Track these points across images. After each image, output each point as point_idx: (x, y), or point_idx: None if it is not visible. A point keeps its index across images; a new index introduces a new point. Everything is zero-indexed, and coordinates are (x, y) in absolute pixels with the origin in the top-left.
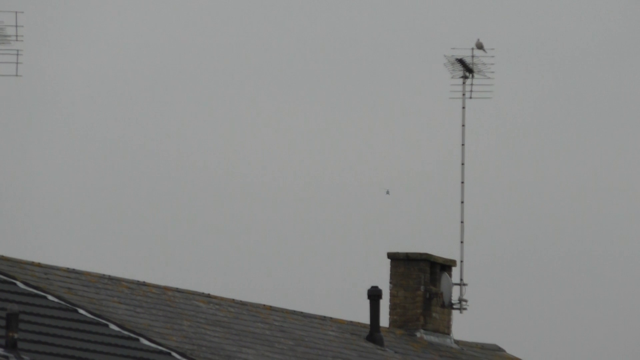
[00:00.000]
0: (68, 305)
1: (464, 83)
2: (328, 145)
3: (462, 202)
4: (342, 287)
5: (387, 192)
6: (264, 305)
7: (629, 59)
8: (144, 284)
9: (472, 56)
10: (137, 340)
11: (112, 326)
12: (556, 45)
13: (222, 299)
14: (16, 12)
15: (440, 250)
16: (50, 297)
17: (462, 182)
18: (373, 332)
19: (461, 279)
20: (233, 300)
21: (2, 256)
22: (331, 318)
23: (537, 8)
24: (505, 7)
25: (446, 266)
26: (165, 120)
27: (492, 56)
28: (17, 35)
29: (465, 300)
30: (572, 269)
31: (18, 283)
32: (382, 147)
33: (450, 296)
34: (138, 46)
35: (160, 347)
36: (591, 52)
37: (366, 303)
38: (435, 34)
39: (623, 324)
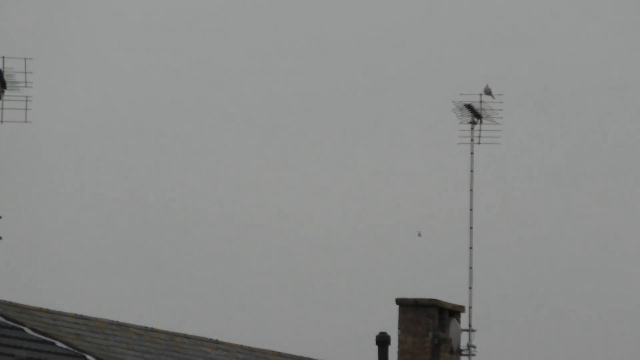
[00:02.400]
0: (76, 351)
1: (472, 128)
2: (338, 192)
3: (471, 248)
4: (350, 333)
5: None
6: (273, 351)
7: (636, 105)
8: (152, 330)
9: (481, 102)
10: None
11: None
12: (564, 90)
13: (230, 345)
14: (25, 59)
15: (448, 296)
16: (58, 344)
17: (471, 228)
18: None
19: (470, 325)
20: (241, 347)
21: (10, 302)
22: None
23: (546, 54)
24: (513, 53)
25: (455, 312)
26: (174, 167)
27: (501, 102)
28: (26, 82)
29: (474, 347)
30: (583, 314)
31: (26, 329)
32: (391, 192)
33: (459, 342)
34: (146, 91)
35: None
36: (599, 98)
37: (374, 349)
38: (443, 79)
39: None
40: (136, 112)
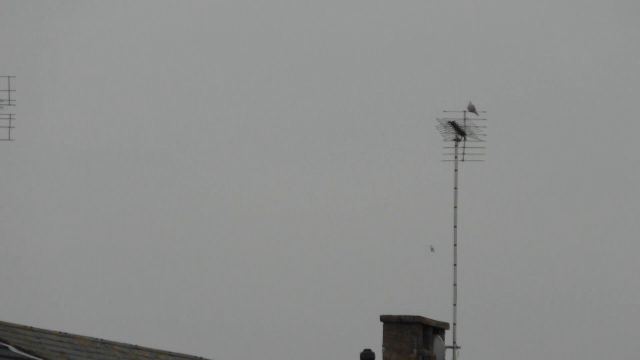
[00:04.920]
0: None
1: (456, 146)
2: (321, 210)
3: (455, 265)
4: (335, 350)
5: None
6: None
7: (621, 120)
8: (136, 347)
9: (465, 119)
10: None
11: None
12: (548, 107)
13: None
14: (9, 77)
15: (433, 313)
16: None
17: (455, 245)
18: None
19: (454, 342)
20: None
21: None
22: None
23: (529, 71)
24: (496, 70)
25: (439, 329)
26: (154, 183)
27: (484, 119)
28: (9, 100)
29: None
30: (568, 331)
31: (10, 347)
32: (375, 209)
33: (444, 359)
34: (131, 107)
35: None
36: (583, 114)
37: None
38: (427, 97)
39: None
40: (121, 129)
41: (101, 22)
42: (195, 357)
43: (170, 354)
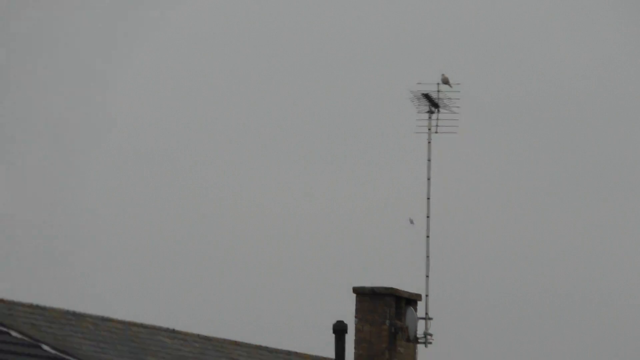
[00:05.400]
0: (32, 341)
1: (429, 118)
2: (296, 181)
3: (428, 237)
4: (308, 322)
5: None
6: (230, 340)
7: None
8: (108, 319)
9: (438, 91)
10: None
11: None
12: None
13: (186, 334)
14: None
15: (405, 284)
16: (13, 333)
17: (428, 217)
18: None
19: (426, 314)
20: (198, 336)
21: None
22: (296, 353)
23: (503, 42)
24: (470, 43)
25: (411, 300)
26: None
27: (458, 91)
28: None
29: (431, 335)
30: (538, 303)
31: None
32: (348, 181)
33: (416, 330)
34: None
35: None
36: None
37: (332, 338)
38: (401, 69)
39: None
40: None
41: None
42: (168, 328)
43: (142, 326)
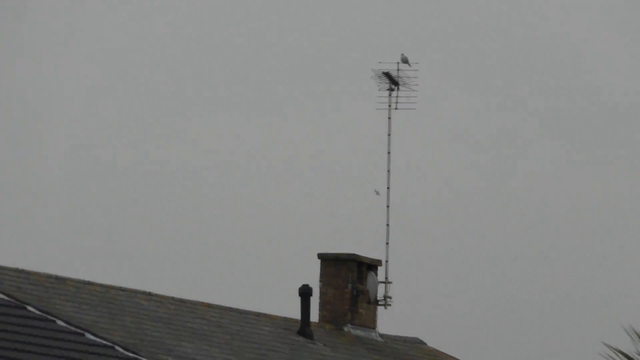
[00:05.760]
0: (17, 302)
1: (390, 95)
2: (265, 152)
3: (388, 207)
4: (275, 286)
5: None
6: (202, 302)
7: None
8: (89, 283)
9: (398, 70)
10: (83, 335)
11: (59, 322)
12: (477, 58)
13: (162, 296)
14: None
15: (367, 251)
16: (0, 296)
17: (388, 188)
18: (304, 327)
19: (386, 278)
20: (173, 298)
21: None
22: (265, 314)
23: (458, 23)
24: (428, 23)
25: (372, 266)
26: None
27: (416, 69)
28: None
29: (390, 297)
30: (494, 267)
31: None
32: (313, 154)
33: (376, 293)
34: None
35: (104, 342)
36: (510, 64)
37: (297, 300)
38: (362, 48)
39: (538, 319)
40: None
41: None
42: (145, 291)
43: (121, 289)
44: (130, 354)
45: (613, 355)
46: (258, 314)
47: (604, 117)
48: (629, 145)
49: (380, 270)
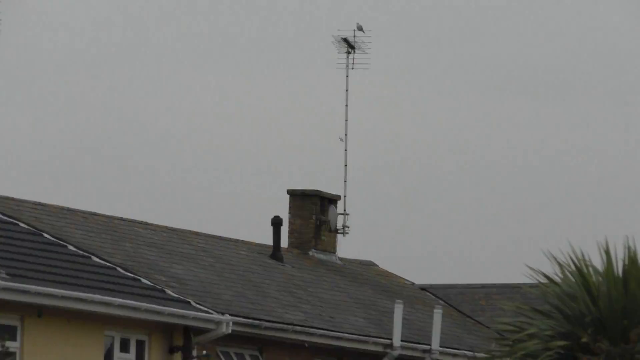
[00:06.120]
0: (35, 230)
1: (347, 57)
2: (243, 106)
3: (346, 150)
4: (252, 217)
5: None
6: (190, 230)
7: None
8: (95, 214)
9: (354, 35)
10: (90, 257)
11: (70, 247)
12: (420, 24)
13: (157, 226)
14: None
15: (328, 187)
16: (21, 224)
17: (346, 135)
18: (275, 251)
19: (344, 210)
20: (166, 227)
21: None
22: (242, 241)
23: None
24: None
25: (333, 200)
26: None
27: (369, 36)
28: None
29: (348, 226)
30: (438, 206)
31: None
32: (284, 108)
33: (336, 223)
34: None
35: (108, 264)
36: (451, 28)
37: (270, 229)
38: (324, 19)
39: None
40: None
41: None
42: (142, 221)
43: (122, 219)
44: (130, 274)
45: (535, 274)
46: (237, 241)
47: None
48: None
49: (340, 203)
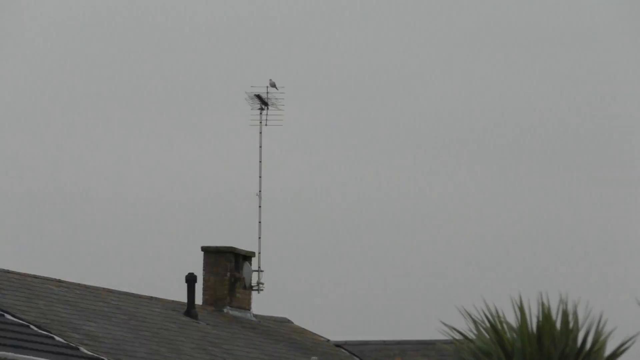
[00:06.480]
0: None
1: (260, 114)
2: (157, 167)
3: (260, 207)
4: (165, 274)
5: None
6: (104, 288)
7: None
8: (8, 271)
9: (267, 92)
10: (3, 315)
11: None
12: (332, 80)
13: (70, 283)
14: None
15: (242, 244)
16: None
17: (260, 191)
18: (190, 308)
19: (259, 267)
20: (79, 284)
21: None
22: (156, 298)
23: (321, 50)
24: (292, 51)
25: (247, 256)
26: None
27: (283, 92)
28: None
29: (262, 283)
30: (344, 261)
31: None
32: (197, 164)
33: (251, 280)
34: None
35: (21, 321)
36: (361, 84)
37: (184, 286)
38: (237, 74)
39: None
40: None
41: None
42: (54, 278)
43: (35, 276)
44: (43, 332)
45: (449, 331)
46: (151, 298)
47: None
48: None
49: (254, 260)
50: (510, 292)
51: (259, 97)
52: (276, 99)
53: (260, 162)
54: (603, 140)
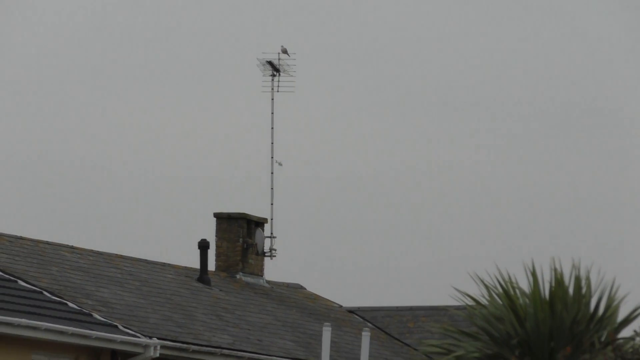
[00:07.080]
0: None
1: (272, 80)
2: (170, 134)
3: (272, 173)
4: (179, 240)
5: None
6: (117, 254)
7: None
8: (21, 237)
9: (279, 59)
10: (16, 282)
11: None
12: (344, 46)
13: (83, 249)
14: None
15: (255, 210)
16: None
17: (272, 158)
18: (202, 275)
19: (271, 233)
20: (92, 250)
21: None
22: (169, 264)
23: (331, 17)
24: (303, 18)
25: (260, 223)
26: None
27: (294, 59)
28: None
29: (275, 249)
30: (345, 227)
31: None
32: (209, 130)
33: (263, 246)
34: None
35: (34, 287)
36: (376, 49)
37: (197, 252)
38: (249, 41)
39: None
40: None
41: None
42: (67, 245)
43: (47, 243)
44: (56, 298)
45: (462, 297)
46: (164, 264)
47: None
48: None
49: (267, 226)
50: (523, 257)
51: (270, 63)
52: (288, 65)
53: (272, 128)
54: (615, 111)
